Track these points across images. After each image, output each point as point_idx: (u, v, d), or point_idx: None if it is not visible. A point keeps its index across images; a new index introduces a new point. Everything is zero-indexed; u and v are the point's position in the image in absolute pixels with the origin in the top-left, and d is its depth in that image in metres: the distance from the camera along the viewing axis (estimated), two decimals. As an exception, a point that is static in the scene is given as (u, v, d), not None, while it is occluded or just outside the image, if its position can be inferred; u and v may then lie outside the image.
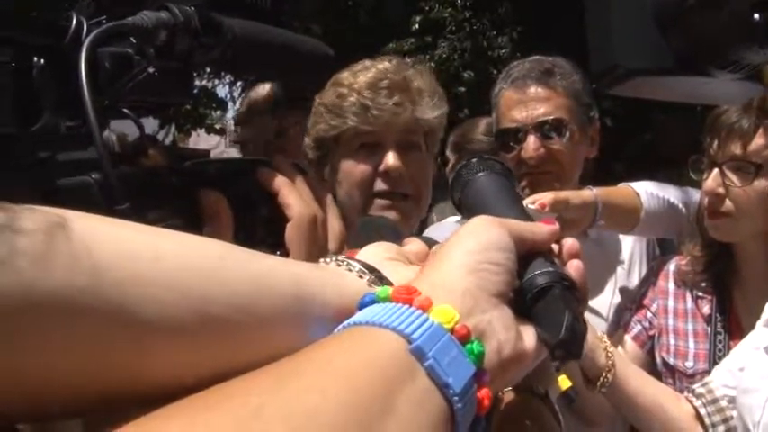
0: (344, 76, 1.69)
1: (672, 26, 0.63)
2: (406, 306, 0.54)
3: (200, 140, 12.29)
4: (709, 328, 1.96)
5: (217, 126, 10.99)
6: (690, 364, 1.95)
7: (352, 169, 1.67)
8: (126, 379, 0.49)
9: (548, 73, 2.02)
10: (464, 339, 0.54)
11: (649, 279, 2.10)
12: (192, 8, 0.75)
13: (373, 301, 0.57)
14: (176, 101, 0.94)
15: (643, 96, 0.75)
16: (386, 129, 1.65)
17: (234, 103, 12.73)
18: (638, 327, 2.04)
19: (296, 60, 0.91)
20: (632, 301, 2.10)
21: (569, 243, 0.71)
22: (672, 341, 1.99)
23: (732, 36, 0.58)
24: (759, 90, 0.72)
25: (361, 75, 1.66)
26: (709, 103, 1.62)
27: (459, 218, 1.92)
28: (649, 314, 2.04)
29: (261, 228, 0.85)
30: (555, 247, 0.71)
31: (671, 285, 2.04)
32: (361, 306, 0.57)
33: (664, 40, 0.63)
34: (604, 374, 1.65)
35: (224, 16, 0.79)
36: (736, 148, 1.80)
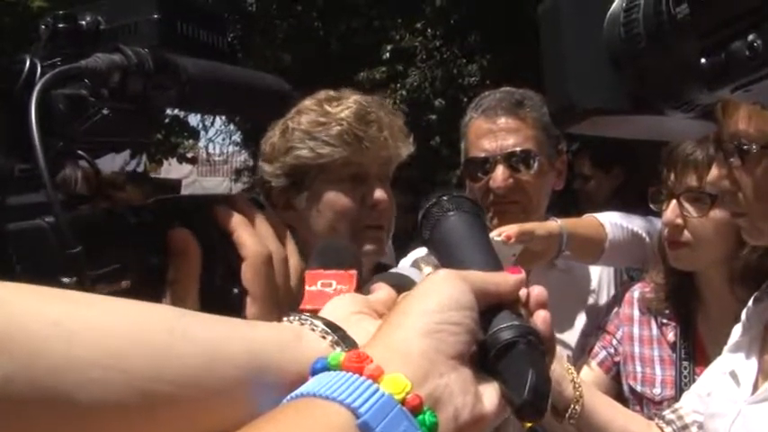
0: (312, 103, 1.69)
1: (626, 67, 0.63)
2: (356, 376, 0.53)
3: (172, 169, 12.21)
4: (674, 355, 1.97)
5: (189, 155, 10.94)
6: (657, 390, 1.96)
7: (339, 201, 1.67)
8: None
9: (518, 104, 2.03)
10: (416, 410, 0.52)
11: (614, 306, 2.11)
12: (146, 50, 0.74)
13: (325, 368, 0.55)
14: (136, 139, 0.93)
15: (601, 134, 0.75)
16: (372, 161, 1.67)
17: (206, 131, 12.72)
18: (604, 353, 2.05)
19: (252, 97, 0.90)
20: (597, 327, 2.11)
21: (536, 292, 0.69)
22: (639, 368, 2.00)
23: (682, 78, 0.59)
24: (713, 127, 0.73)
25: (339, 105, 1.66)
26: (667, 140, 1.64)
27: (418, 256, 1.91)
28: (614, 341, 2.05)
29: (220, 266, 0.83)
30: (523, 292, 0.69)
31: (636, 312, 2.05)
32: (313, 372, 0.55)
33: (618, 80, 0.64)
34: (572, 406, 1.64)
35: (179, 57, 0.78)
36: (691, 180, 1.83)
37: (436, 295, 0.61)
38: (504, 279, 0.67)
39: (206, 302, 0.80)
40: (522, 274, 0.69)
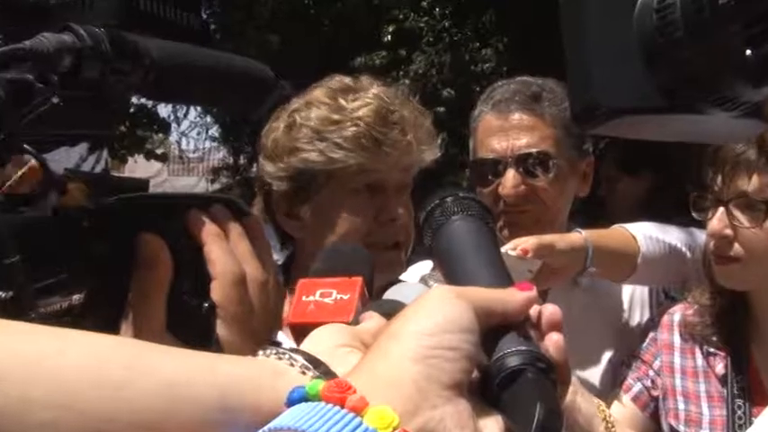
0: (323, 94, 1.67)
1: (659, 61, 0.63)
2: (337, 408, 0.53)
3: (139, 167, 12.22)
4: (725, 391, 1.93)
5: (158, 151, 10.94)
6: None
7: (350, 215, 1.65)
8: None
9: (535, 98, 2.01)
10: None
11: (649, 331, 2.07)
12: (102, 29, 0.74)
13: (303, 398, 0.55)
14: (93, 132, 0.93)
15: (630, 137, 0.75)
16: (392, 169, 1.65)
17: (178, 124, 12.74)
18: (639, 386, 2.01)
19: (231, 86, 0.90)
20: (631, 355, 2.08)
21: (549, 311, 0.69)
22: (681, 405, 1.96)
23: (724, 72, 0.59)
24: (762, 127, 0.72)
25: (357, 100, 1.63)
26: (707, 142, 1.62)
27: (425, 272, 1.91)
28: (651, 372, 2.01)
29: (189, 278, 0.84)
30: (534, 311, 0.69)
31: (677, 339, 2.01)
32: (290, 402, 0.56)
33: (650, 75, 0.64)
34: None
35: (142, 37, 0.78)
36: (743, 184, 1.79)
37: (430, 316, 0.61)
38: (511, 296, 0.67)
39: (172, 318, 0.81)
40: (533, 291, 0.69)
